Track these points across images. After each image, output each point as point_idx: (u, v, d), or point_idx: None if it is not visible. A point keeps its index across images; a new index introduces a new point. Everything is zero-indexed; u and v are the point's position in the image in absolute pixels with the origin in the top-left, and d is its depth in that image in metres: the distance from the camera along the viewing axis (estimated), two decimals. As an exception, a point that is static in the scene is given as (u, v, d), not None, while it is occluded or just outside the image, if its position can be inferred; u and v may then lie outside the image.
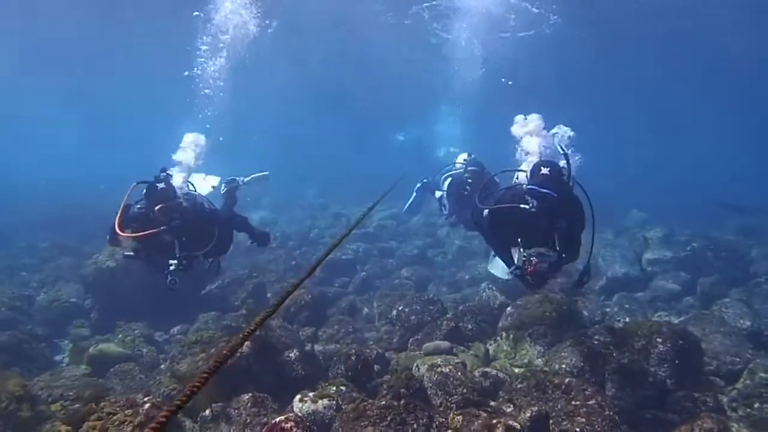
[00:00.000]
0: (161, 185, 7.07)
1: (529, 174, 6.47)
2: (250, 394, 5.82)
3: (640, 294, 12.12)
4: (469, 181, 9.99)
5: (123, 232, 7.06)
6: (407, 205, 13.02)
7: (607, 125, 41.73)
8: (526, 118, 7.84)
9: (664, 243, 14.55)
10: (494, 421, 5.10)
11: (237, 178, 9.69)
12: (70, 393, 6.41)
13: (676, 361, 7.38)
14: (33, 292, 12.21)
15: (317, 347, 8.46)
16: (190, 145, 8.52)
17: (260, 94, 30.48)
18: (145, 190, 7.18)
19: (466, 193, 10.00)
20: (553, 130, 7.48)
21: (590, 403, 6.02)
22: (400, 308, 9.75)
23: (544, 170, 6.18)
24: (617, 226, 17.51)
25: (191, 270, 7.59)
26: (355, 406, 5.60)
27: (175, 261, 7.18)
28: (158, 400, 5.43)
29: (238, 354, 6.56)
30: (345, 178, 31.80)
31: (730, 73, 27.02)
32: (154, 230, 7.00)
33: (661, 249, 13.94)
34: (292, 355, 7.15)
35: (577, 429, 5.65)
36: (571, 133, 7.37)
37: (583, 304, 10.21)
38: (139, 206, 7.35)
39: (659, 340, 7.51)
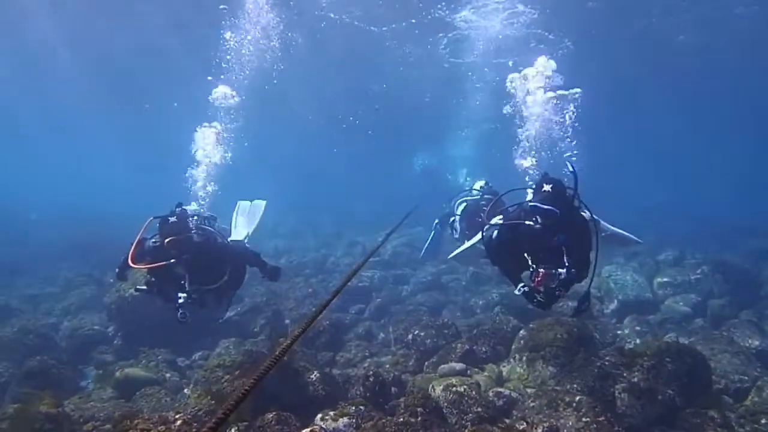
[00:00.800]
0: (173, 219, 7.23)
1: (533, 191, 6.67)
2: (274, 413, 6.09)
3: (652, 316, 12.27)
4: (485, 208, 10.19)
5: (136, 264, 7.16)
6: (426, 246, 13.23)
7: (621, 148, 42.14)
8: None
9: (675, 266, 14.74)
10: (507, 435, 5.36)
11: (242, 239, 9.67)
12: (101, 414, 6.72)
13: (685, 380, 7.56)
14: (57, 320, 12.54)
15: (335, 371, 8.74)
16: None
17: (277, 120, 30.94)
18: (158, 224, 7.35)
19: (479, 219, 10.20)
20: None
21: (600, 419, 6.26)
22: (416, 332, 10.02)
23: (547, 187, 6.32)
24: (629, 250, 17.68)
25: (204, 305, 7.69)
26: (374, 423, 5.88)
27: (185, 294, 7.27)
28: (189, 417, 5.72)
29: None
30: (361, 206, 32.13)
31: (739, 96, 27.42)
32: (163, 263, 7.10)
33: (672, 272, 14.12)
34: (313, 376, 7.44)
35: (587, 443, 5.89)
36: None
37: (594, 327, 10.41)
38: (153, 240, 7.47)
39: (668, 359, 7.71)
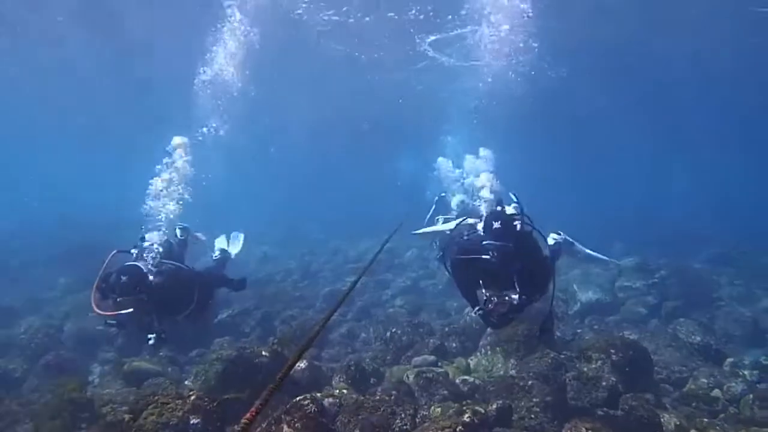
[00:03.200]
0: (124, 279, 7.12)
1: (482, 229, 6.96)
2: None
3: (611, 317, 13.40)
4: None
5: (100, 305, 7.17)
6: (428, 217, 13.70)
7: (603, 160, 43.51)
8: None
9: (636, 271, 15.82)
10: (465, 408, 6.43)
11: (229, 252, 10.18)
12: (117, 398, 7.70)
13: (627, 369, 8.66)
14: (60, 322, 13.36)
15: (321, 364, 9.76)
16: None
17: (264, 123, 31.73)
18: (112, 279, 7.24)
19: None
20: None
21: (548, 399, 7.35)
22: (393, 330, 11.09)
23: (496, 224, 6.57)
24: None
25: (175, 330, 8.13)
26: (355, 400, 6.95)
27: (153, 335, 7.46)
28: (201, 393, 6.73)
29: (258, 363, 7.96)
30: (346, 214, 32.94)
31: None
32: (122, 311, 7.12)
33: (633, 277, 15.25)
34: (302, 365, 8.48)
35: (532, 416, 6.98)
36: None
37: (556, 326, 11.47)
38: (114, 280, 7.28)
39: (613, 351, 8.81)
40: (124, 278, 7.11)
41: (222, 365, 8.58)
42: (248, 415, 2.00)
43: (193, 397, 6.42)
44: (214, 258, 9.93)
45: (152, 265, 7.68)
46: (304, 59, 22.95)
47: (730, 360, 10.70)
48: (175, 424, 6.12)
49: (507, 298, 6.69)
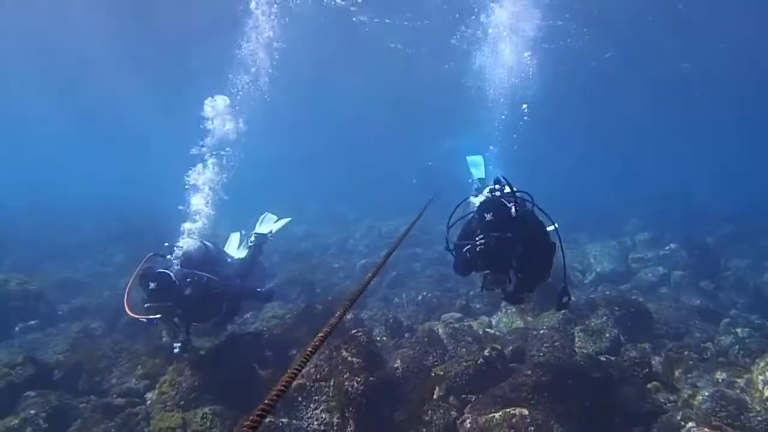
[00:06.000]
0: (152, 285, 7.18)
1: (477, 219, 6.75)
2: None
3: (623, 285, 14.67)
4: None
5: (131, 307, 7.39)
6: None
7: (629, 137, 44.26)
8: None
9: (648, 244, 17.09)
10: (485, 346, 7.85)
11: (266, 234, 10.11)
12: (196, 342, 9.21)
13: (628, 323, 10.01)
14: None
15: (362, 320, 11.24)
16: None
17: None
18: (140, 280, 7.33)
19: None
20: None
21: (556, 344, 8.71)
22: (424, 294, 12.64)
23: (488, 216, 6.37)
24: (615, 232, 19.90)
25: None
26: (394, 343, 8.44)
27: (179, 345, 7.70)
28: (273, 332, 8.25)
29: (315, 311, 9.45)
30: (379, 195, 34.03)
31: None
32: (147, 316, 7.37)
33: (645, 249, 16.52)
34: (348, 317, 9.95)
35: (541, 354, 8.37)
36: None
37: (571, 291, 12.75)
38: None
39: (616, 308, 10.17)
40: (152, 285, 7.19)
41: (279, 319, 10.08)
42: (309, 349, 2.18)
43: (266, 335, 7.98)
44: (249, 243, 9.86)
45: (183, 274, 7.76)
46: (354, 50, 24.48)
47: (726, 321, 11.89)
48: (254, 354, 7.69)
49: (501, 281, 6.74)
